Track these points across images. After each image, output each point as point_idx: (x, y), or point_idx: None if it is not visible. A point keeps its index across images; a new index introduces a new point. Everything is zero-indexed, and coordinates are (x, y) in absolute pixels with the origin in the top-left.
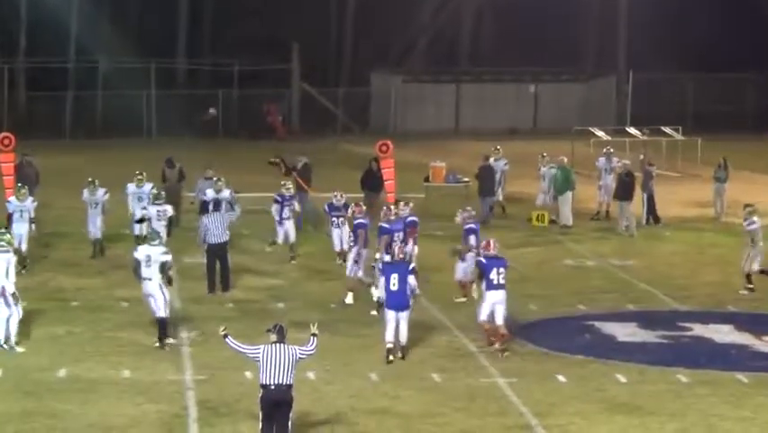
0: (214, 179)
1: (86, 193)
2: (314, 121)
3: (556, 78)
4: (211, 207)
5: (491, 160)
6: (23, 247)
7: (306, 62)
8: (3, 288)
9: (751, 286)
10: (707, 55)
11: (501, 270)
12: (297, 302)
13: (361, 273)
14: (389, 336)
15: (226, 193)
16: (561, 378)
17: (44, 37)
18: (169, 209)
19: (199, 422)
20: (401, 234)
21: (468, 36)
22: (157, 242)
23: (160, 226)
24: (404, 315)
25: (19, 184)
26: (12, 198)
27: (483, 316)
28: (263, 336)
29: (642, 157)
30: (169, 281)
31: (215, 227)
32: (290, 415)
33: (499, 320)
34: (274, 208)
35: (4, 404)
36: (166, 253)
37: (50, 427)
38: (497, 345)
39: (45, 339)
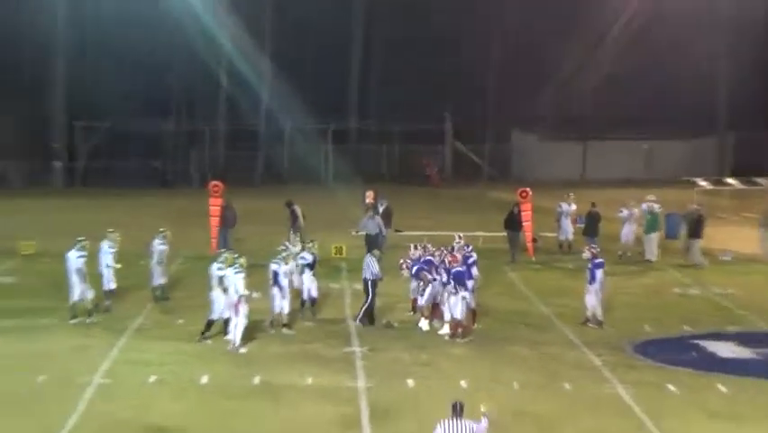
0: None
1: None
2: (464, 172)
3: (666, 136)
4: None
5: (563, 205)
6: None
7: (456, 123)
8: (239, 297)
9: None
10: None
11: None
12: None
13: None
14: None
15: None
16: (671, 387)
17: (240, 103)
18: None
19: (371, 421)
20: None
21: (590, 103)
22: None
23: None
24: None
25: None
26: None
27: (460, 314)
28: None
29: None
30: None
31: (373, 264)
32: None
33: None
34: None
35: (209, 405)
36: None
37: (249, 422)
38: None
39: (243, 353)
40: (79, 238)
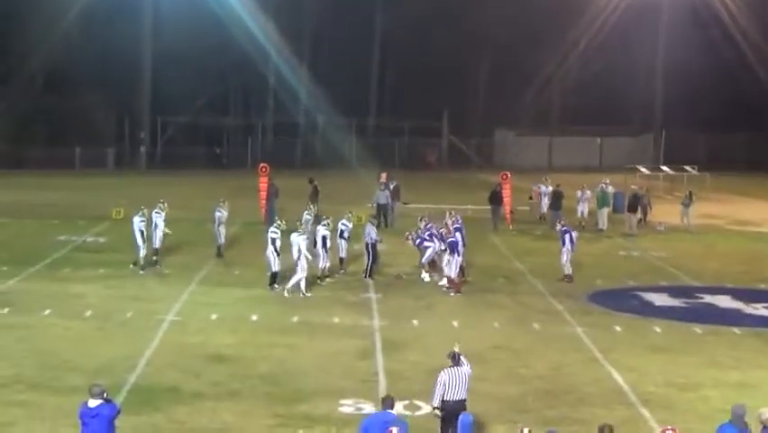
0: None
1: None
2: (457, 160)
3: (614, 133)
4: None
5: (541, 186)
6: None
7: (452, 121)
8: (300, 255)
9: None
10: (715, 118)
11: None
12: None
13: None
14: None
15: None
16: (617, 328)
17: (284, 102)
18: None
19: (383, 352)
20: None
21: (556, 107)
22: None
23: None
24: None
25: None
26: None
27: (453, 273)
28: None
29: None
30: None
31: (372, 231)
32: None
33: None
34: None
35: (257, 337)
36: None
37: (288, 351)
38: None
39: (287, 297)
40: (142, 207)
